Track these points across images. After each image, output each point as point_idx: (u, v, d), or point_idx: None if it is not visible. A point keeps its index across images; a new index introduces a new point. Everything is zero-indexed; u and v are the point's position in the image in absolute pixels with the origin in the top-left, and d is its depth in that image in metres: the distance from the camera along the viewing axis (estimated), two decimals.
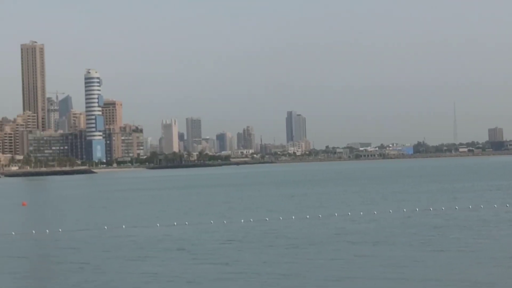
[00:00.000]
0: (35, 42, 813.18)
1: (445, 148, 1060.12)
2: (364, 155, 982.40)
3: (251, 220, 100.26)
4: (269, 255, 65.16)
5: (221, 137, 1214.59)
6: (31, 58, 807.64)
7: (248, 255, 65.87)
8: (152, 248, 74.93)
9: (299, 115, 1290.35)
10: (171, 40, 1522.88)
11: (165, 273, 56.89)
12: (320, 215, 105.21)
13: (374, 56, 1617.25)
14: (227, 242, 77.47)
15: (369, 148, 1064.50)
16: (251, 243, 75.31)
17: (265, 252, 67.63)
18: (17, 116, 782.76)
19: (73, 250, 75.35)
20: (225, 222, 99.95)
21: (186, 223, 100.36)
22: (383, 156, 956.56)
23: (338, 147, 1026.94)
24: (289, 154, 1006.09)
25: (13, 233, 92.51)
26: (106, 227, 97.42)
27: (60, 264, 65.48)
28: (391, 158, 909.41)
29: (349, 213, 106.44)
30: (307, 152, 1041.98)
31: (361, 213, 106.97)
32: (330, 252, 64.98)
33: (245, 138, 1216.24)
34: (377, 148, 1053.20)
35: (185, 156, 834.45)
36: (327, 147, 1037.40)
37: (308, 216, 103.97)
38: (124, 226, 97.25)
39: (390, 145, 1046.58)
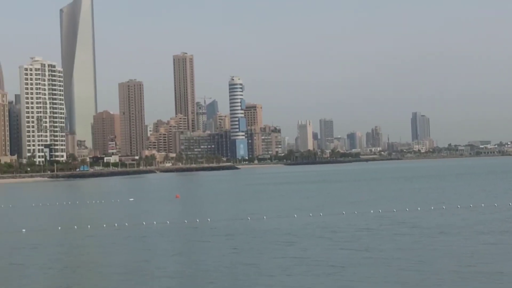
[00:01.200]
0: (186, 53, 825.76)
1: None
2: (484, 152, 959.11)
3: (380, 211, 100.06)
4: (403, 243, 65.82)
5: (351, 136, 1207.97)
6: (182, 68, 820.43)
7: (383, 242, 67.06)
8: (295, 235, 75.81)
9: (423, 115, 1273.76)
10: (304, 49, 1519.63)
11: (310, 257, 58.54)
12: (443, 207, 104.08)
13: (492, 64, 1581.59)
14: (362, 230, 78.45)
15: (488, 146, 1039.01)
16: (383, 231, 75.75)
17: (398, 240, 68.21)
18: (170, 118, 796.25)
19: (224, 237, 77.03)
20: (356, 212, 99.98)
21: (321, 214, 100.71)
22: (502, 153, 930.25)
23: (459, 145, 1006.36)
24: (414, 152, 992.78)
25: (168, 222, 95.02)
26: (249, 218, 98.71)
27: (213, 248, 67.12)
28: (509, 155, 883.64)
29: (471, 205, 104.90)
30: (430, 150, 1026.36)
31: (482, 204, 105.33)
32: (460, 241, 65.60)
33: (373, 137, 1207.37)
34: (496, 146, 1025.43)
35: (319, 153, 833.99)
36: (449, 145, 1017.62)
37: (432, 208, 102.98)
38: (265, 217, 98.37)
39: (509, 143, 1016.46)
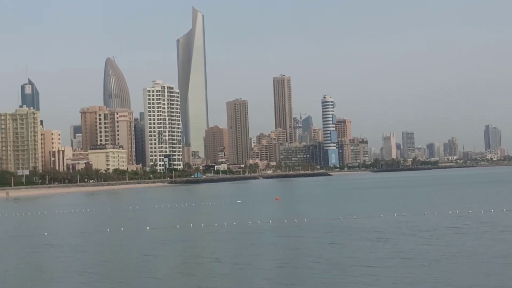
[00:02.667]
0: (284, 75, 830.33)
1: None
2: None
3: (457, 211, 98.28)
4: (484, 239, 65.00)
5: (430, 147, 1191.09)
6: (281, 88, 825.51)
7: (465, 238, 66.20)
8: (384, 232, 75.17)
9: (495, 128, 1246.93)
10: (388, 67, 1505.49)
11: (401, 252, 58.30)
12: None
13: None
14: (444, 228, 77.57)
15: None
16: (464, 229, 75.16)
17: (479, 236, 67.55)
18: (271, 132, 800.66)
19: (320, 234, 76.84)
20: (436, 213, 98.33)
21: (404, 214, 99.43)
22: None
23: None
24: (487, 160, 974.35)
25: (270, 221, 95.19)
26: (341, 217, 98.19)
27: (313, 243, 67.24)
28: None
29: None
30: (502, 158, 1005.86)
31: None
32: None
33: (450, 147, 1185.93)
34: None
35: (401, 161, 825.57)
36: None
37: (505, 210, 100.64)
38: (355, 217, 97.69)
39: None
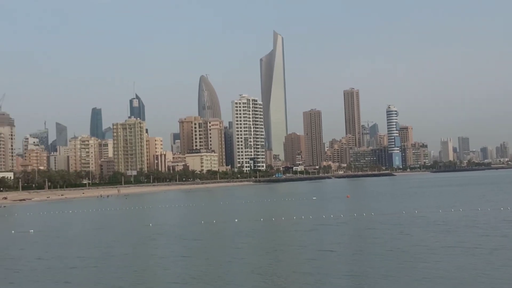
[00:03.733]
0: (353, 88, 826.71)
1: None
2: None
3: (508, 208, 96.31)
4: None
5: (483, 150, 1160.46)
6: (350, 99, 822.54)
7: None
8: (445, 225, 74.50)
9: None
10: (444, 78, 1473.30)
11: (463, 242, 57.61)
12: None
13: None
14: (499, 222, 76.00)
15: None
16: None
17: None
18: (342, 137, 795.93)
19: (387, 225, 76.57)
20: (489, 209, 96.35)
21: (461, 209, 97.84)
22: None
23: None
24: None
25: (342, 215, 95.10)
26: (404, 212, 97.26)
27: (383, 234, 67.16)
28: None
29: None
30: None
31: None
32: None
33: (502, 150, 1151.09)
34: None
35: (458, 163, 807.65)
36: None
37: None
38: (416, 211, 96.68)
39: None
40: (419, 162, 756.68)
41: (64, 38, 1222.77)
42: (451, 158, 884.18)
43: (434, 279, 39.26)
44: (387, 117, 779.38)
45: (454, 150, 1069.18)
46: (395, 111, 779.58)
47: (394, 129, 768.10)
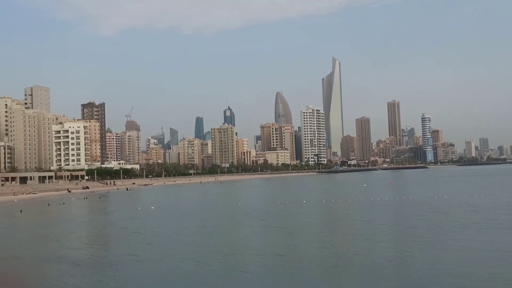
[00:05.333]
0: (395, 100, 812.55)
1: None
2: None
3: None
4: None
5: (500, 148, 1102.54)
6: (392, 108, 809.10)
7: None
8: (474, 206, 72.57)
9: None
10: (469, 86, 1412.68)
11: (491, 219, 55.53)
12: None
13: None
14: None
15: None
16: None
17: None
18: (386, 138, 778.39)
19: (422, 207, 74.78)
20: (505, 194, 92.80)
21: (482, 194, 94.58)
22: None
23: None
24: None
25: (386, 198, 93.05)
26: (436, 196, 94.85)
27: (421, 213, 65.49)
28: None
29: None
30: None
31: None
32: None
33: None
34: None
35: (479, 159, 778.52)
36: None
37: None
38: (446, 196, 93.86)
39: None
40: (447, 158, 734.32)
41: (182, 65, 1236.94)
42: (473, 155, 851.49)
43: (470, 247, 38.60)
44: (422, 122, 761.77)
45: (476, 148, 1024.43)
46: (428, 117, 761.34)
47: (428, 131, 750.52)
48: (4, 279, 33.71)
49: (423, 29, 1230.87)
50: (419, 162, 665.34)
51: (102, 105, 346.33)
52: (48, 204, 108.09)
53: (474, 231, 46.62)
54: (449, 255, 35.75)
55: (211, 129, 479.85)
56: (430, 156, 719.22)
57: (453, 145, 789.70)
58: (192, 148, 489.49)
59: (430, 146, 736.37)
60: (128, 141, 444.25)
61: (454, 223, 53.24)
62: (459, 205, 75.11)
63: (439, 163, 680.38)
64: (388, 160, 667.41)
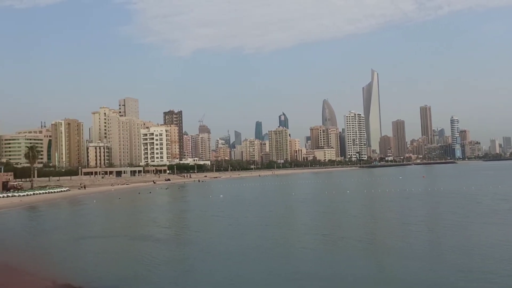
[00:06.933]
0: (426, 105, 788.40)
1: None
2: None
3: None
4: None
5: None
6: (425, 112, 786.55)
7: None
8: (501, 194, 70.03)
9: None
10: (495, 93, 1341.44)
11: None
12: None
13: None
14: None
15: None
16: None
17: None
18: (419, 138, 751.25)
19: (450, 195, 72.21)
20: None
21: (499, 186, 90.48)
22: None
23: None
24: None
25: (419, 189, 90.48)
26: (464, 188, 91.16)
27: (454, 199, 63.27)
28: None
29: None
30: None
31: None
32: None
33: None
34: None
35: (502, 155, 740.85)
36: None
37: None
38: (473, 187, 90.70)
39: None
40: (474, 154, 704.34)
41: (244, 78, 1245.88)
42: (497, 151, 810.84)
43: (503, 230, 37.69)
44: (451, 124, 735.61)
45: (500, 146, 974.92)
46: (457, 119, 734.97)
47: (456, 132, 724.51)
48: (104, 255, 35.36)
49: (449, 46, 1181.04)
50: (449, 158, 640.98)
51: (180, 113, 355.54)
52: (139, 193, 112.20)
53: (504, 216, 44.99)
54: (487, 235, 35.27)
55: (269, 131, 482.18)
56: (458, 153, 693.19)
57: (479, 143, 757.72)
58: (253, 147, 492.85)
59: (458, 144, 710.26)
60: (201, 141, 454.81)
61: (487, 209, 51.60)
62: (486, 194, 72.32)
63: (466, 159, 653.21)
64: (421, 156, 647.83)
